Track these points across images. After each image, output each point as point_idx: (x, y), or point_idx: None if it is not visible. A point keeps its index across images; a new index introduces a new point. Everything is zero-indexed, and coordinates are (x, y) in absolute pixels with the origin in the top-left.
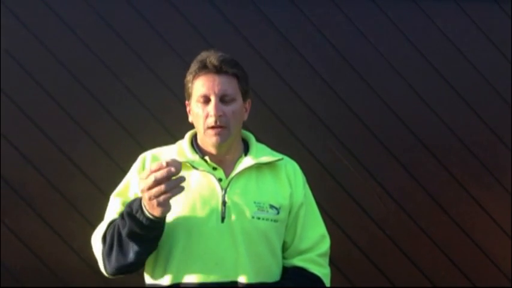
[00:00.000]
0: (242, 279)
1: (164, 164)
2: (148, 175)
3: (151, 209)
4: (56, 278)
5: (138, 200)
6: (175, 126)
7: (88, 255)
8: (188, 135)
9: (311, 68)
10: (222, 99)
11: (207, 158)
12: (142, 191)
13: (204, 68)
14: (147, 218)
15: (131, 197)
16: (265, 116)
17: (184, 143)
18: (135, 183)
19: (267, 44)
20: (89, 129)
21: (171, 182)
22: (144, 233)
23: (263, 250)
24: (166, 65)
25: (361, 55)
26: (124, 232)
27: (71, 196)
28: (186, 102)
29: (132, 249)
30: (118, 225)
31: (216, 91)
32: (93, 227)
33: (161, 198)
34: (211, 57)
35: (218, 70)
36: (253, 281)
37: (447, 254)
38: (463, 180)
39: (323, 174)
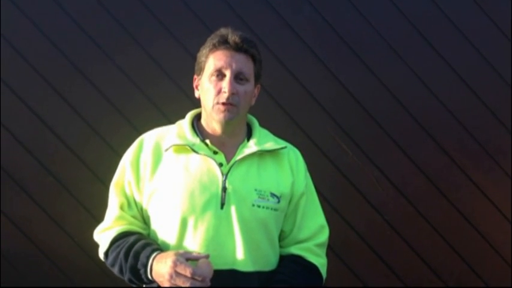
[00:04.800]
0: (240, 267)
1: (207, 277)
2: (185, 272)
3: (159, 281)
4: (49, 261)
5: (145, 256)
6: (169, 107)
7: (81, 238)
8: (189, 116)
9: (309, 50)
10: (237, 77)
11: (207, 141)
12: (170, 274)
13: (224, 43)
14: (149, 280)
15: (126, 186)
16: (262, 99)
17: (184, 124)
18: (129, 170)
19: (264, 26)
20: (81, 110)
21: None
22: (142, 285)
23: (261, 239)
24: (160, 45)
25: (361, 37)
26: (125, 276)
27: (63, 178)
28: (195, 76)
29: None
30: (121, 262)
31: (233, 67)
32: (86, 209)
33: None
34: (233, 34)
35: (238, 48)
36: (251, 269)
37: (446, 239)
38: (462, 164)
39: (321, 158)
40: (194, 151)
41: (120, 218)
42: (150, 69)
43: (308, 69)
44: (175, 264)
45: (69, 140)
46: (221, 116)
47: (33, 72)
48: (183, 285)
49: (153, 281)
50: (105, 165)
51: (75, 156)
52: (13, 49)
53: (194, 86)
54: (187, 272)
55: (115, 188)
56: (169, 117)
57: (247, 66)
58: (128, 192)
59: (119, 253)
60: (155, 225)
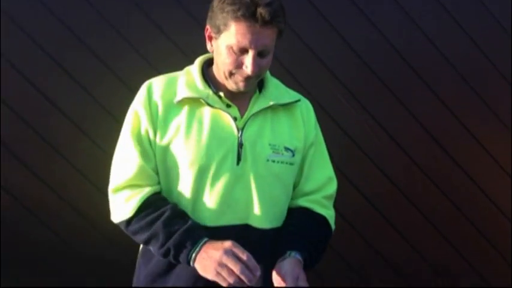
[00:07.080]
0: (254, 223)
1: (257, 274)
2: (235, 262)
3: (203, 264)
4: (37, 219)
5: (191, 242)
6: (166, 66)
7: (68, 196)
8: (198, 63)
9: (312, 6)
10: (260, 52)
11: (221, 93)
12: (221, 264)
13: (251, 16)
14: (187, 260)
15: (143, 133)
16: None
17: (194, 72)
18: (144, 116)
19: None
20: (80, 79)
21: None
22: (174, 260)
23: (278, 194)
24: (170, 19)
25: None
26: (159, 251)
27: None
28: (207, 26)
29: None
30: (158, 232)
31: (258, 45)
32: (75, 168)
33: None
34: (262, 7)
35: (265, 24)
36: (266, 226)
37: (447, 195)
38: (458, 112)
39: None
40: (208, 104)
41: (142, 171)
42: (149, 31)
43: (304, 20)
44: (227, 254)
45: (70, 111)
46: (240, 85)
47: (32, 43)
48: (226, 278)
49: (188, 262)
50: (105, 134)
51: (75, 126)
52: (12, 22)
53: (206, 36)
54: (231, 272)
55: (131, 136)
56: None
57: (271, 39)
58: (145, 140)
59: (153, 223)
60: (169, 179)
